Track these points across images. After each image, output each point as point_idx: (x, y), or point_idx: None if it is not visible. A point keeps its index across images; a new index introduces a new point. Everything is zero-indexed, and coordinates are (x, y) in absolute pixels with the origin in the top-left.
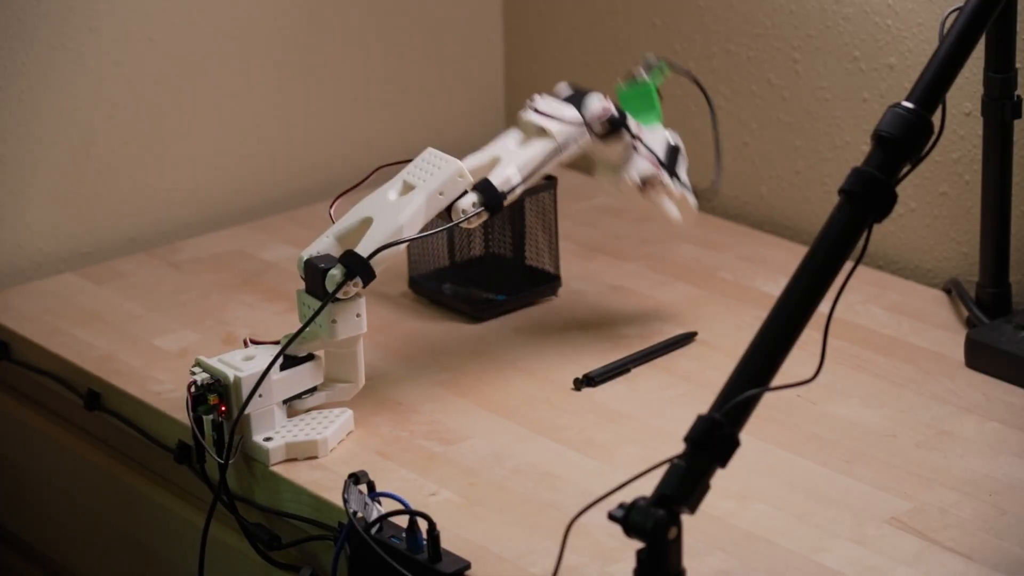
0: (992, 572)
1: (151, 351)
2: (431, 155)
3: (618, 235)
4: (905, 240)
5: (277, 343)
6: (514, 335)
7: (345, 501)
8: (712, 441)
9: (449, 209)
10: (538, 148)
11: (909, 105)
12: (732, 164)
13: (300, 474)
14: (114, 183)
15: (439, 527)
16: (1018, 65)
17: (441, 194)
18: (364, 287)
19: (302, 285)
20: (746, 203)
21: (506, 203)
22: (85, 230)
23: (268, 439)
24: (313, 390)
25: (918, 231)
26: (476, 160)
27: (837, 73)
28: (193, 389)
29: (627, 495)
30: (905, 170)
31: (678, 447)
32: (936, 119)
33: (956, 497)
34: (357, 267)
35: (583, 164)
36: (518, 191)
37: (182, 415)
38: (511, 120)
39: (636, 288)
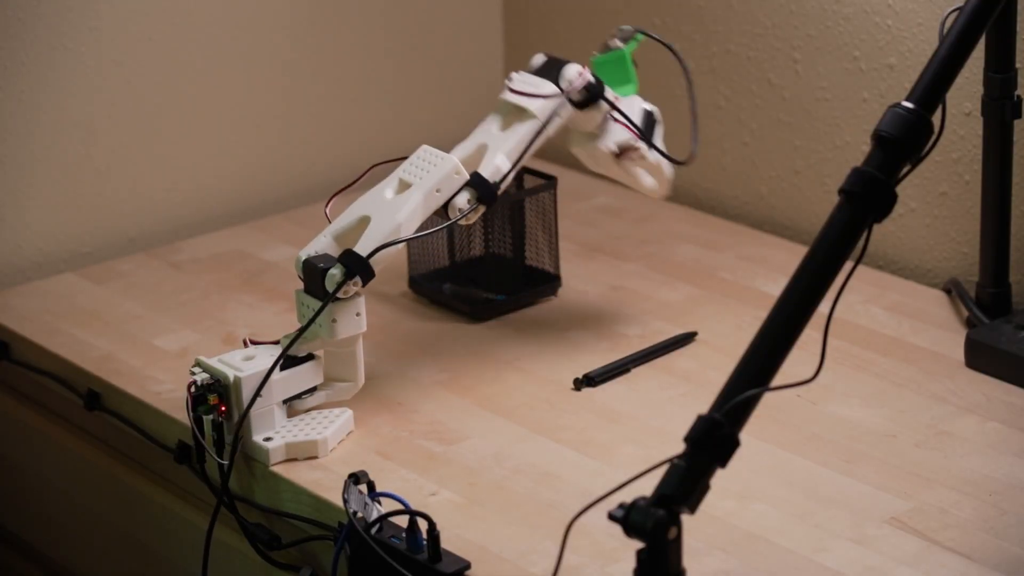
0: (992, 572)
1: (151, 351)
2: (426, 152)
3: (618, 235)
4: (905, 240)
5: (277, 343)
6: (514, 335)
7: (345, 501)
8: (712, 441)
9: (446, 207)
10: (523, 130)
11: (909, 105)
12: (732, 164)
13: (300, 474)
14: (114, 183)
15: (439, 527)
16: (1018, 65)
17: (438, 191)
18: (364, 286)
19: (301, 285)
20: (746, 203)
21: (500, 192)
22: (85, 230)
23: (268, 439)
24: (313, 390)
25: (918, 231)
26: (463, 150)
27: (837, 73)
28: (193, 389)
29: (627, 495)
30: (905, 170)
31: (678, 447)
32: (936, 119)
33: (956, 497)
34: (357, 266)
35: (583, 164)
36: (510, 177)
37: (182, 415)
38: None
39: (636, 288)
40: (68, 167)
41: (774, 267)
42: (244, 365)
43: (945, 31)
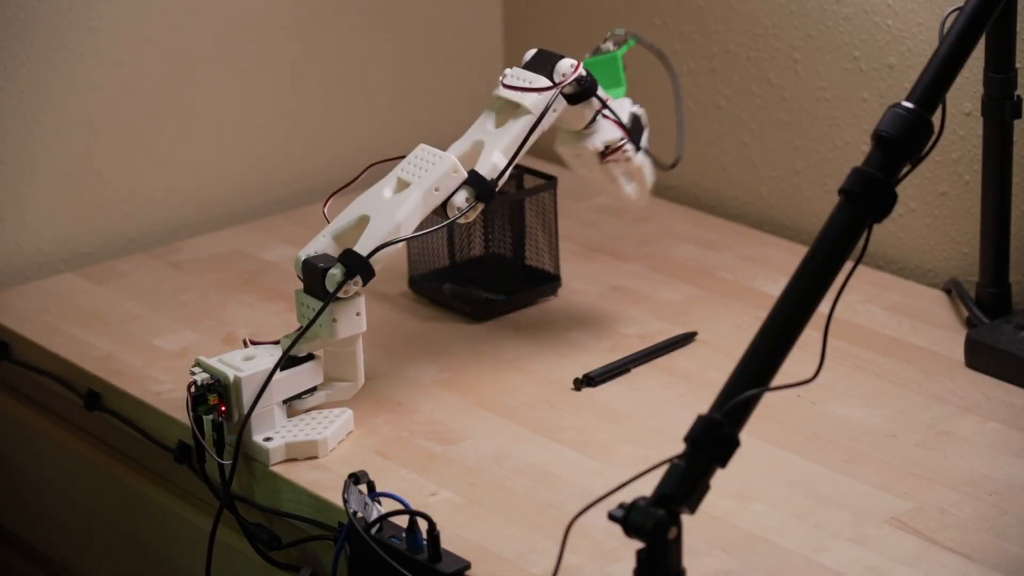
0: (992, 572)
1: (151, 351)
2: (424, 151)
3: (618, 235)
4: (905, 240)
5: (277, 343)
6: (514, 335)
7: (345, 501)
8: (712, 441)
9: (444, 206)
10: (518, 126)
11: (909, 105)
12: (732, 164)
13: (300, 474)
14: (114, 183)
15: (439, 527)
16: (1018, 65)
17: (437, 190)
18: (364, 285)
19: (301, 285)
20: (746, 203)
21: (497, 189)
22: (85, 230)
23: (268, 439)
24: (313, 390)
25: (918, 231)
26: (459, 148)
27: (837, 73)
28: (193, 389)
29: (627, 495)
30: (905, 170)
31: (678, 447)
32: (936, 119)
33: (956, 497)
34: (357, 266)
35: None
36: (507, 174)
37: (182, 415)
38: None
39: (636, 288)
40: (68, 167)
41: (774, 267)
42: (244, 365)
43: (945, 31)
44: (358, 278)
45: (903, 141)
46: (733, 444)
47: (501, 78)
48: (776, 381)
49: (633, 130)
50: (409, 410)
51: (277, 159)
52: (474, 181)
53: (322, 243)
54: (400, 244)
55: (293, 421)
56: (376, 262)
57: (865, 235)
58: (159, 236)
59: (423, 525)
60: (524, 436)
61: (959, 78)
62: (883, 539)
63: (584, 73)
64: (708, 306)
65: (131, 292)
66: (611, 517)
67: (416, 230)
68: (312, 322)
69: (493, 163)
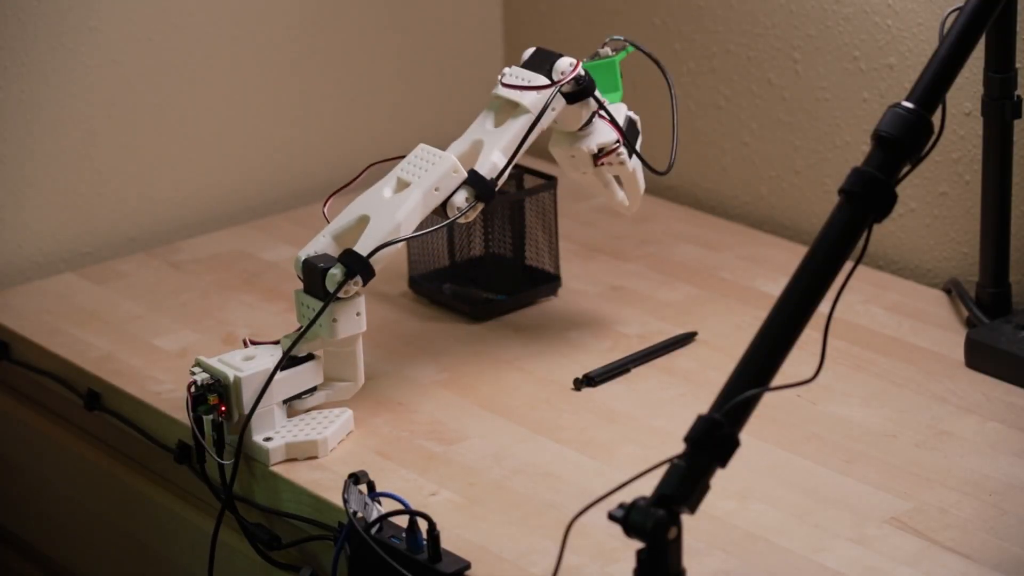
0: (992, 572)
1: (151, 351)
2: (423, 151)
3: (618, 235)
4: (905, 240)
5: (277, 343)
6: (514, 335)
7: (345, 501)
8: (712, 441)
9: (444, 206)
10: (517, 125)
11: (909, 105)
12: (732, 164)
13: (300, 474)
14: (114, 183)
15: (439, 527)
16: (1018, 65)
17: (437, 190)
18: (364, 285)
19: (301, 285)
20: (746, 203)
21: (497, 188)
22: (85, 230)
23: (268, 439)
24: (313, 390)
25: (918, 231)
26: (459, 148)
27: (837, 73)
28: (193, 389)
29: (627, 495)
30: (905, 170)
31: (678, 447)
32: (936, 119)
33: (956, 497)
34: (357, 266)
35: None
36: (507, 173)
37: (182, 415)
38: None
39: (636, 288)
40: (68, 167)
41: (774, 267)
42: (244, 365)
43: (945, 31)
44: (358, 278)
45: (903, 141)
46: (733, 444)
47: (500, 77)
48: (776, 381)
49: (628, 134)
50: (409, 410)
51: (277, 159)
52: (474, 181)
53: (322, 243)
54: (400, 244)
55: (293, 421)
56: (376, 262)
57: (865, 235)
58: (159, 236)
59: (423, 525)
60: (524, 436)
61: (959, 78)
62: (883, 539)
63: (583, 72)
64: (708, 306)
65: (131, 292)
66: (611, 517)
67: (416, 230)
68: (312, 322)
69: (493, 162)
